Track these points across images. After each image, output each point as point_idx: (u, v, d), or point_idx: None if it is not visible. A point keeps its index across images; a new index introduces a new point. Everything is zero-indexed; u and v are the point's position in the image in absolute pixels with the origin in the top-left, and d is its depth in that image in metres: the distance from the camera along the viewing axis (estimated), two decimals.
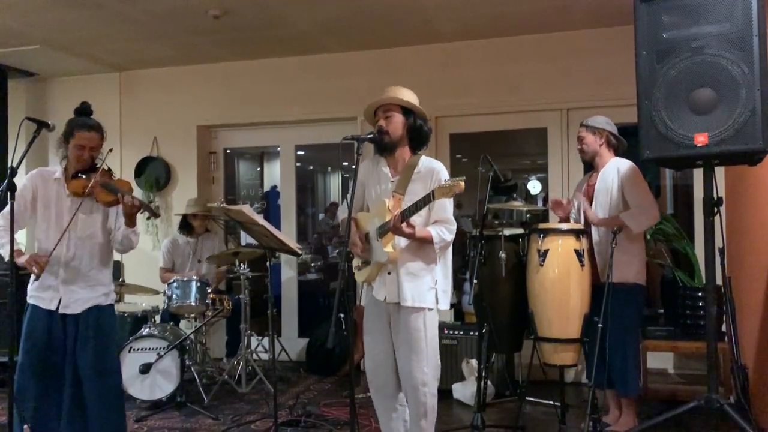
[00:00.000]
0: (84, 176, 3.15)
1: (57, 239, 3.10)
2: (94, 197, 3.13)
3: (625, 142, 3.75)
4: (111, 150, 3.26)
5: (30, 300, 3.16)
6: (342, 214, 3.25)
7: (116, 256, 5.93)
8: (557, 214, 3.95)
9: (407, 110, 3.02)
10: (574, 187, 4.13)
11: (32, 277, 3.16)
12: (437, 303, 3.02)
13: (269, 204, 7.89)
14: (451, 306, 3.81)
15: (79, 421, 3.16)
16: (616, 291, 3.45)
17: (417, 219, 2.95)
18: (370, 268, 3.05)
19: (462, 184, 2.66)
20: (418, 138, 3.06)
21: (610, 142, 3.72)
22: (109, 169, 3.24)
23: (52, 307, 3.12)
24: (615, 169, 3.65)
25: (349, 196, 3.00)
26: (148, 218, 3.22)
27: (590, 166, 3.91)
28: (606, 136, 3.70)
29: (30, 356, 3.08)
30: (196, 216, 5.33)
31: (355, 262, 3.14)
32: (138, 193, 5.96)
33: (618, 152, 3.76)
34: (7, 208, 2.84)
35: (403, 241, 2.97)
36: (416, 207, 2.81)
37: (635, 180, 3.58)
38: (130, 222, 3.14)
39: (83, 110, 3.22)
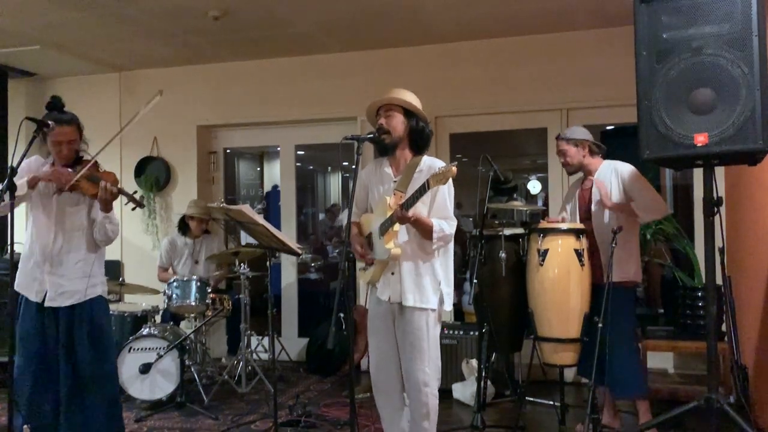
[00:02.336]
0: (70, 170, 3.15)
1: (46, 230, 3.12)
2: (80, 191, 3.13)
3: (604, 146, 3.77)
4: (161, 91, 3.23)
5: (18, 288, 3.14)
6: (346, 218, 3.26)
7: (116, 256, 6.03)
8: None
9: (409, 112, 3.03)
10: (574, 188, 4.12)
11: (20, 265, 3.17)
12: (443, 304, 3.03)
13: (270, 203, 7.89)
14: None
15: (79, 416, 3.15)
16: (615, 291, 3.46)
17: None
18: (373, 269, 3.06)
19: (454, 169, 2.67)
20: (419, 140, 3.06)
21: (592, 150, 3.74)
22: (96, 162, 3.19)
23: (38, 300, 3.12)
24: (611, 170, 3.65)
25: (349, 199, 3.00)
26: (133, 209, 3.20)
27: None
28: (588, 146, 3.72)
29: (23, 352, 3.08)
30: (194, 217, 5.33)
31: (360, 264, 3.15)
32: (138, 193, 5.98)
33: (603, 156, 3.76)
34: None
35: (404, 239, 2.97)
36: (413, 198, 2.80)
37: (640, 181, 3.57)
38: (106, 207, 3.14)
39: (54, 105, 3.14)
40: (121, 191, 3.12)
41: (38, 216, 3.19)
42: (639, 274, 3.67)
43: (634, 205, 3.53)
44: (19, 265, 3.19)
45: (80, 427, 3.16)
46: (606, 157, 3.79)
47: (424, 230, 2.94)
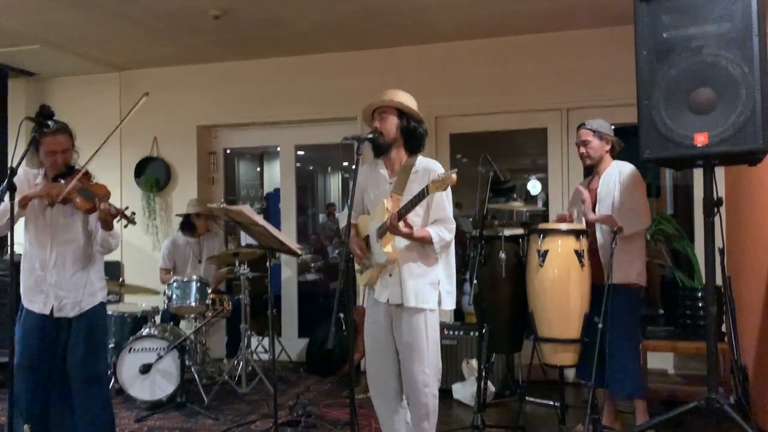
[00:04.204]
0: (63, 181, 3.10)
1: (41, 243, 3.12)
2: (73, 205, 3.10)
3: (623, 145, 3.75)
4: (147, 94, 3.23)
5: (23, 302, 3.15)
6: (343, 220, 3.26)
7: (116, 256, 6.03)
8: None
9: (402, 112, 3.03)
10: (573, 188, 4.12)
11: (22, 277, 3.16)
12: (440, 304, 3.03)
13: (270, 205, 7.89)
14: None
15: (68, 420, 3.16)
16: (617, 292, 3.45)
17: (416, 219, 2.95)
18: (370, 271, 3.05)
19: (454, 176, 2.68)
20: (412, 140, 3.07)
21: (614, 148, 3.71)
22: (87, 172, 3.16)
23: (46, 312, 3.12)
24: (617, 172, 3.65)
25: (349, 200, 3.00)
26: (125, 226, 3.16)
27: (588, 170, 3.90)
28: (612, 142, 3.69)
29: (21, 358, 3.07)
30: (200, 216, 5.32)
31: (357, 266, 3.15)
32: (138, 193, 6.00)
33: (616, 155, 3.75)
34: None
35: (402, 242, 2.97)
36: (411, 204, 2.81)
37: (635, 185, 3.59)
38: (107, 226, 3.12)
39: (44, 114, 3.12)
40: (118, 212, 3.05)
41: (33, 229, 3.17)
42: (643, 276, 3.64)
43: (617, 214, 3.51)
44: (21, 279, 3.17)
45: (71, 427, 3.16)
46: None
47: (422, 241, 2.94)
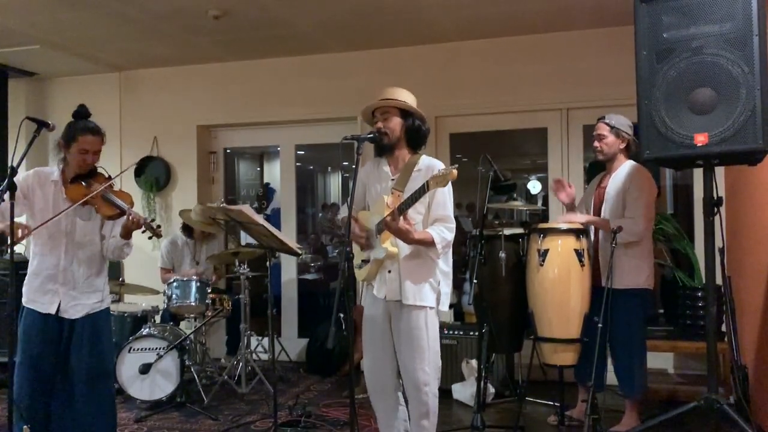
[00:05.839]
0: (84, 182, 3.11)
1: (55, 244, 3.10)
2: (95, 209, 3.11)
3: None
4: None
5: (25, 303, 3.11)
6: (343, 214, 3.25)
7: None
8: (560, 198, 3.93)
9: (405, 111, 3.03)
10: (578, 186, 4.11)
11: (27, 278, 3.14)
12: (439, 304, 3.02)
13: (266, 201, 7.89)
14: (451, 306, 3.80)
15: (69, 422, 3.14)
16: (625, 295, 3.45)
17: (417, 217, 2.95)
18: (369, 266, 3.05)
19: (455, 172, 2.67)
20: (416, 138, 3.07)
21: (629, 148, 3.67)
22: (109, 177, 3.20)
23: (51, 311, 3.09)
24: (627, 173, 3.62)
25: (349, 196, 3.00)
26: (150, 238, 3.18)
27: (599, 167, 3.88)
28: (628, 141, 3.65)
29: (23, 357, 3.06)
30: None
31: (356, 261, 3.14)
32: (138, 193, 6.00)
33: (632, 155, 3.72)
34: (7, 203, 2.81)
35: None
36: (411, 200, 2.80)
37: (641, 190, 3.55)
38: (128, 235, 3.13)
39: (83, 113, 3.17)
40: (145, 223, 3.09)
41: (47, 229, 3.11)
42: (650, 281, 3.64)
43: (614, 223, 3.49)
44: (27, 279, 3.15)
45: (72, 428, 3.15)
46: None
47: (422, 244, 2.93)
